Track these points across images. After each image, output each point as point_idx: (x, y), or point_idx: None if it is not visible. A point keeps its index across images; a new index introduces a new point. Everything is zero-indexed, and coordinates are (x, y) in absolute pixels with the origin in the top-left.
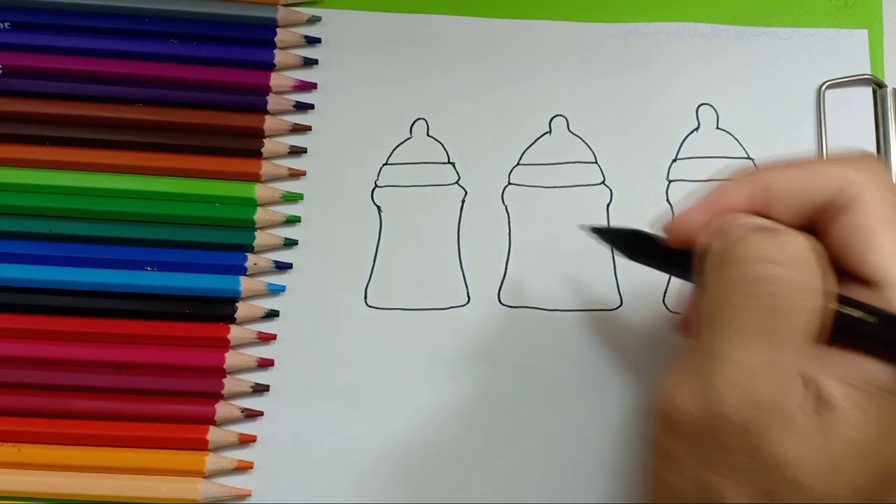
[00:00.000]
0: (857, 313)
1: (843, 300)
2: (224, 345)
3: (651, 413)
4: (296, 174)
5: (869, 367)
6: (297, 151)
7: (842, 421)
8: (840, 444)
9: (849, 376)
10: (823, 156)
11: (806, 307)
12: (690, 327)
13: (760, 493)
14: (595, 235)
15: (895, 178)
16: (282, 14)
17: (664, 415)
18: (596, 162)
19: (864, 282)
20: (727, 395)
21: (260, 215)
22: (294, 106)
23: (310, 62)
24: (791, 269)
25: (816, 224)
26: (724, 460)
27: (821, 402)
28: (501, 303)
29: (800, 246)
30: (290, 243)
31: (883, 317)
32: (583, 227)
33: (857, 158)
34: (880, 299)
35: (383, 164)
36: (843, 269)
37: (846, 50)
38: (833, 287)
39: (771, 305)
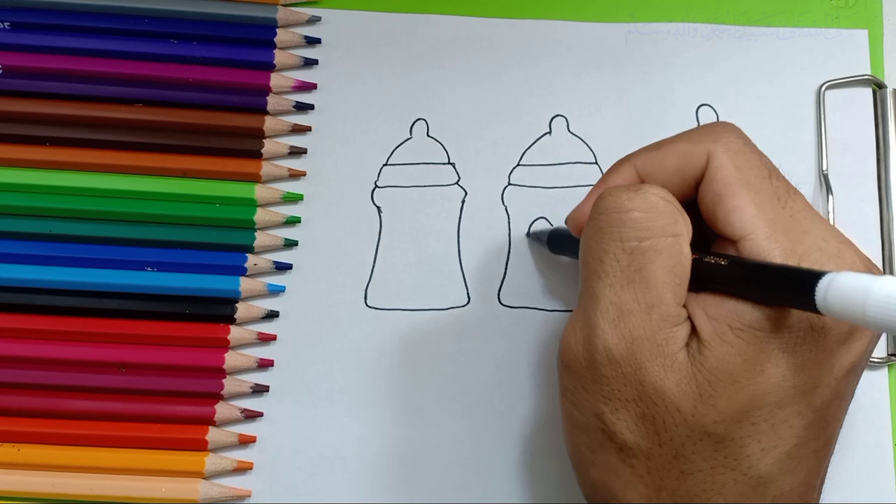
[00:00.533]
0: (710, 258)
1: (698, 252)
2: (224, 345)
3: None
4: (296, 175)
5: (734, 306)
6: (297, 152)
7: (712, 353)
8: (712, 374)
9: (717, 314)
10: (823, 157)
11: (668, 250)
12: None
13: (644, 418)
14: (532, 240)
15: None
16: (282, 14)
17: (561, 354)
18: (596, 162)
19: (730, 241)
20: (603, 331)
21: (260, 216)
22: (294, 106)
23: (310, 62)
24: (651, 213)
25: (690, 195)
26: (609, 391)
27: (694, 336)
28: (501, 303)
29: (658, 196)
30: (290, 244)
31: (729, 260)
32: (527, 236)
33: (709, 129)
34: (741, 251)
35: (383, 165)
36: (716, 233)
37: (846, 50)
38: (687, 231)
39: (635, 247)
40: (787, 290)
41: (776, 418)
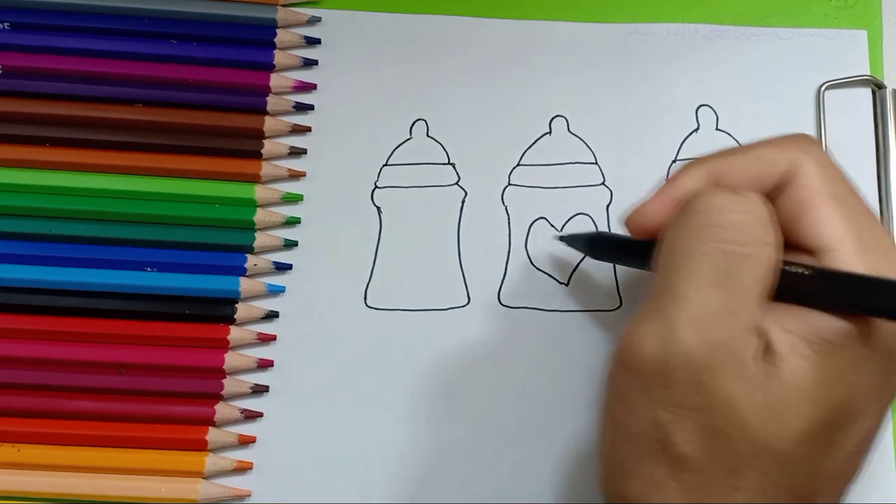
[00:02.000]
0: (796, 269)
1: (784, 262)
2: (224, 346)
3: (613, 354)
4: (296, 175)
5: (812, 319)
6: (296, 152)
7: (786, 367)
8: (784, 389)
9: (794, 327)
10: None
11: (762, 257)
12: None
13: (707, 430)
14: (563, 242)
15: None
16: (281, 15)
17: (624, 354)
18: (596, 163)
19: (808, 251)
20: (684, 333)
21: (260, 216)
22: (294, 107)
23: (310, 63)
24: (751, 218)
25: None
26: (675, 397)
27: (768, 349)
28: (501, 303)
29: (760, 203)
30: (289, 244)
31: (817, 271)
32: (554, 237)
33: (794, 139)
34: (824, 263)
35: (383, 165)
36: (790, 243)
37: (846, 50)
38: (779, 240)
39: (730, 250)
40: (880, 301)
41: (835, 438)
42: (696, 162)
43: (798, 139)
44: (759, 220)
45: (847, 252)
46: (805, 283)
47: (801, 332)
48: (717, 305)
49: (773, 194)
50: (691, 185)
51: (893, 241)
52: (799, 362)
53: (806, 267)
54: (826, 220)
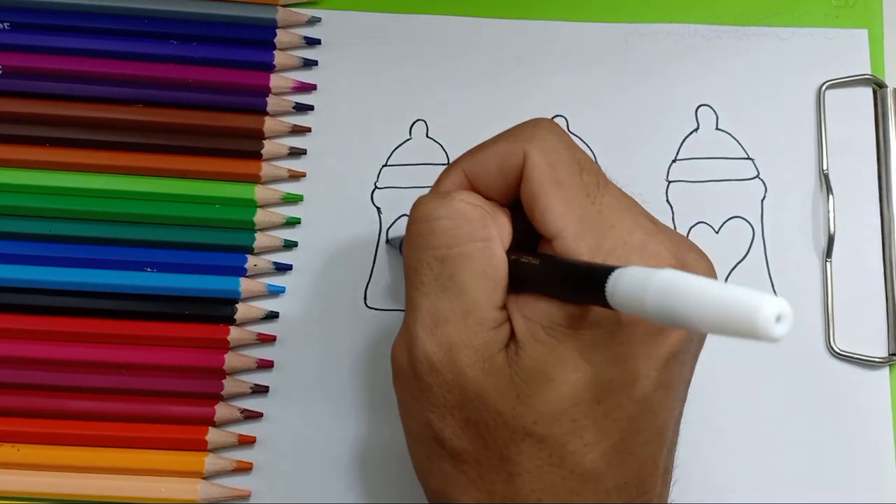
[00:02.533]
0: (525, 259)
1: (516, 253)
2: (224, 346)
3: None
4: (295, 175)
5: (545, 305)
6: (296, 153)
7: (525, 354)
8: (527, 374)
9: (532, 314)
10: (823, 157)
11: (477, 252)
12: None
13: (469, 423)
14: (390, 247)
15: None
16: (281, 15)
17: (392, 364)
18: (595, 162)
19: (547, 240)
20: (422, 339)
21: (260, 217)
22: (294, 107)
23: (309, 63)
24: (458, 220)
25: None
26: (433, 398)
27: (513, 338)
28: None
29: (465, 202)
30: (289, 245)
31: (542, 259)
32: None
33: (524, 127)
34: (554, 250)
35: (383, 166)
36: (540, 232)
37: (846, 50)
38: (500, 233)
39: (444, 254)
40: (583, 288)
41: (596, 413)
42: (453, 163)
43: (528, 127)
44: (468, 218)
45: (569, 236)
46: (535, 273)
47: (538, 318)
48: (445, 308)
49: (519, 185)
50: (448, 187)
51: (621, 216)
52: (537, 347)
53: (534, 255)
54: (550, 207)
